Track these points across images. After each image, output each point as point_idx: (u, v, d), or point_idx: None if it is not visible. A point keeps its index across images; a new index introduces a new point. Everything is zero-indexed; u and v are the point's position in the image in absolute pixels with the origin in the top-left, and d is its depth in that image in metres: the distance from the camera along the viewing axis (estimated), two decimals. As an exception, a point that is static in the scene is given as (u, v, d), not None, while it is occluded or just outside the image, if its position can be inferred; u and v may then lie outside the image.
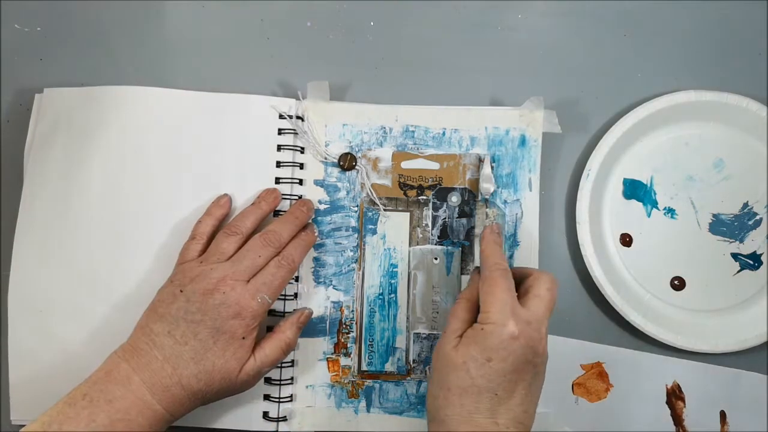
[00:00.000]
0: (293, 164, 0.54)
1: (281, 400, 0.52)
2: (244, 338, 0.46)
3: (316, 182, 0.55)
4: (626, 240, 0.55)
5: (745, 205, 0.56)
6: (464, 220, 0.54)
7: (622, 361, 0.54)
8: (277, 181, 0.54)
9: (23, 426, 0.42)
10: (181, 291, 0.46)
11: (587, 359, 0.54)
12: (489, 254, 0.47)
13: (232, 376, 0.46)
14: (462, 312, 0.46)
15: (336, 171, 0.55)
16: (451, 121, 0.55)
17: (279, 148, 0.54)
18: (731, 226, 0.55)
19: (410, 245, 0.54)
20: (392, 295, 0.54)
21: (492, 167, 0.54)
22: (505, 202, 0.54)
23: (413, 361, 0.53)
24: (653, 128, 0.56)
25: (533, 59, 0.58)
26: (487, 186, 0.53)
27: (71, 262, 0.52)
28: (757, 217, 0.55)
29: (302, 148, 0.55)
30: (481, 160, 0.54)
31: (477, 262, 0.54)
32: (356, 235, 0.54)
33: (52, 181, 0.53)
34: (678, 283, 0.55)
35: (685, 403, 0.53)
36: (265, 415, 0.52)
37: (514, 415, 0.42)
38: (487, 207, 0.54)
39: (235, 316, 0.45)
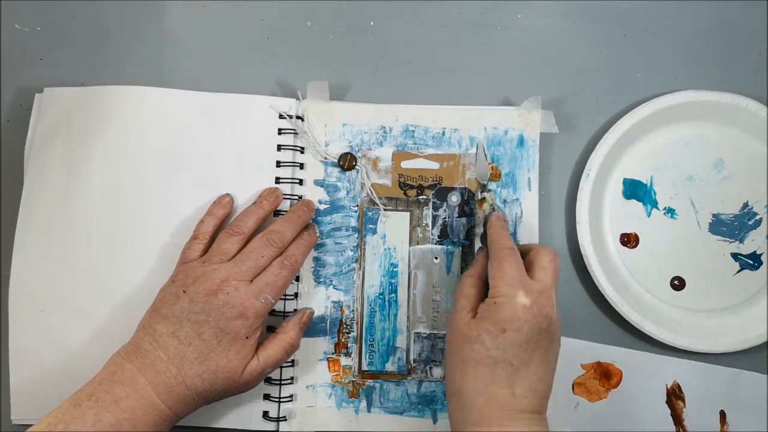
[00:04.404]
0: (293, 164, 0.54)
1: (281, 399, 0.52)
2: (247, 338, 0.46)
3: (316, 182, 0.55)
4: (632, 240, 0.55)
5: (745, 205, 0.56)
6: (464, 220, 0.54)
7: (622, 360, 0.54)
8: (277, 180, 0.54)
9: (24, 426, 0.42)
10: (185, 291, 0.46)
11: (587, 359, 0.54)
12: (496, 237, 0.48)
13: (235, 375, 0.46)
14: (468, 288, 0.47)
15: (336, 171, 0.55)
16: (450, 121, 0.55)
17: (279, 147, 0.54)
18: (731, 226, 0.55)
19: (410, 245, 0.54)
20: (392, 295, 0.54)
21: (486, 155, 0.54)
22: (505, 201, 0.55)
23: (414, 360, 0.53)
24: (653, 128, 0.56)
25: (533, 59, 0.58)
26: (483, 172, 0.54)
27: (72, 262, 0.52)
28: (757, 217, 0.55)
29: (302, 148, 0.55)
30: (478, 145, 0.55)
31: (480, 244, 0.54)
32: (356, 235, 0.54)
33: (52, 181, 0.53)
34: (678, 283, 0.55)
35: (685, 403, 0.54)
36: (266, 414, 0.52)
37: (531, 384, 0.43)
38: (485, 191, 0.54)
39: (238, 317, 0.45)
